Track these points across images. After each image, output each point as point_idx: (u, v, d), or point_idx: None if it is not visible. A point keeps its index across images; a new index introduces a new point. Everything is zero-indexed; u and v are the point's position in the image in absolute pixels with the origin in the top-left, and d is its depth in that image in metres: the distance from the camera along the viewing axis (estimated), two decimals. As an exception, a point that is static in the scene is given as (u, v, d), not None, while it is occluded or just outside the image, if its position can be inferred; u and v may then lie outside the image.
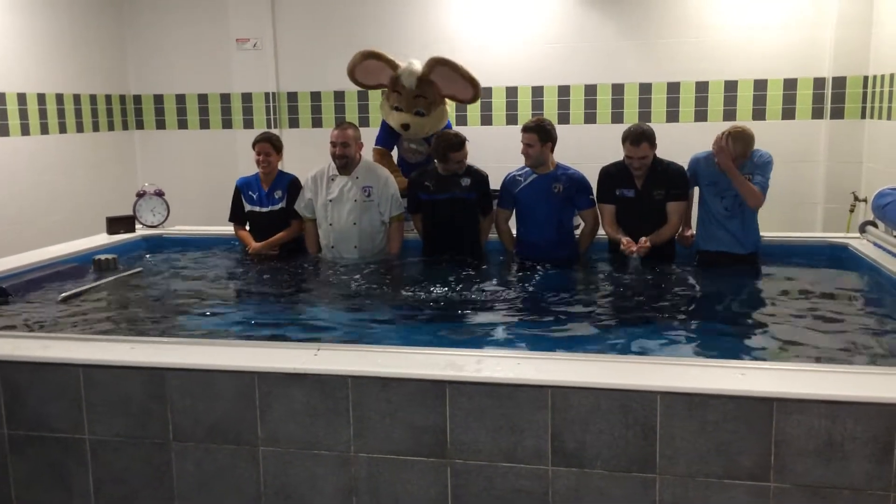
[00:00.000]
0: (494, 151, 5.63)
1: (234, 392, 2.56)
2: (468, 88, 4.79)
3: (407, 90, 4.78)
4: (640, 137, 4.16)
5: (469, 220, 4.56)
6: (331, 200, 4.57)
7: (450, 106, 5.01)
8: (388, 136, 5.05)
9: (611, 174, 4.38)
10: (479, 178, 4.51)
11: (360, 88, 5.05)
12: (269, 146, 4.74)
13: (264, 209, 4.81)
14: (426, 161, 4.95)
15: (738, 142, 4.04)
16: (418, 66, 4.76)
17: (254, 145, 4.77)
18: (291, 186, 4.78)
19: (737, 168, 4.09)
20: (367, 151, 4.87)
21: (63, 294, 3.85)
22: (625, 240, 4.15)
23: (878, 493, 2.19)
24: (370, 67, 4.85)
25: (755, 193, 4.06)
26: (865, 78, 6.05)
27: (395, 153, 5.13)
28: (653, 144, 4.20)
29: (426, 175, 4.56)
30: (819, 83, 6.21)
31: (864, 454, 2.18)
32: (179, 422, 2.61)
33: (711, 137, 4.19)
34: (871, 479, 2.19)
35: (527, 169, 4.45)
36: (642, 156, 4.17)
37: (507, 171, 4.55)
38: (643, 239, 4.12)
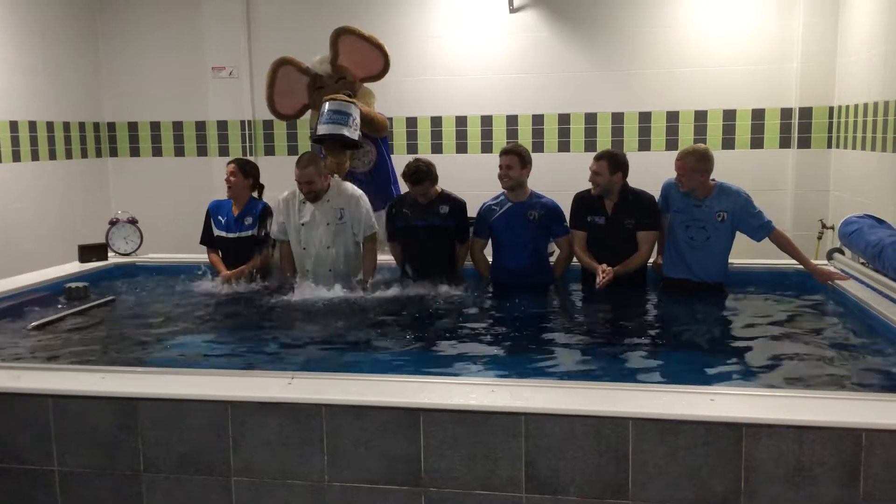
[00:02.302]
0: (470, 179, 5.67)
1: (207, 422, 2.54)
2: (378, 57, 4.84)
3: (327, 79, 4.85)
4: (602, 155, 4.33)
5: (446, 247, 4.58)
6: (303, 224, 4.56)
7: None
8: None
9: (583, 200, 4.44)
10: (457, 206, 4.54)
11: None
12: (235, 167, 4.78)
13: (231, 234, 4.80)
14: (378, 165, 4.98)
15: (690, 156, 4.15)
16: (324, 54, 4.88)
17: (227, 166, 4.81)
18: (263, 214, 4.77)
19: (700, 199, 4.16)
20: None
21: (33, 323, 3.81)
22: (600, 269, 4.17)
23: (846, 517, 2.22)
24: (286, 82, 4.94)
25: (786, 241, 4.21)
26: (831, 108, 6.20)
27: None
28: (615, 168, 4.26)
29: (403, 202, 4.58)
30: (786, 113, 6.35)
31: (832, 478, 2.22)
32: (150, 452, 2.58)
33: (682, 167, 4.26)
34: (839, 503, 2.22)
35: (502, 197, 4.49)
36: (596, 171, 4.29)
37: (482, 199, 4.60)
38: (608, 269, 4.15)
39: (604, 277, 4.10)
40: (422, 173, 4.40)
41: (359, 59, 4.85)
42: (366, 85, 5.04)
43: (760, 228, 4.18)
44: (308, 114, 5.18)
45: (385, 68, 4.91)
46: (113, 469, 2.61)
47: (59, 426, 2.62)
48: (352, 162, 4.98)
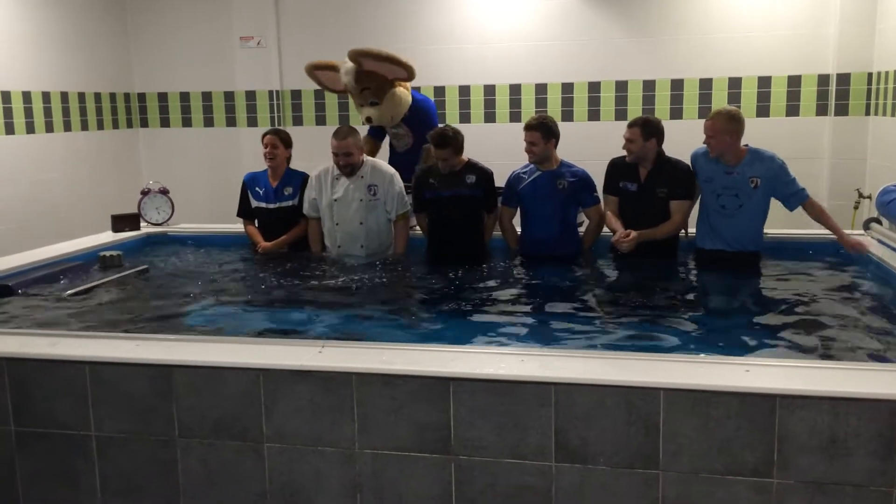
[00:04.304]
0: (498, 149, 5.63)
1: (240, 389, 2.57)
2: (399, 70, 4.85)
3: (353, 88, 4.89)
4: (636, 121, 4.23)
5: (473, 217, 4.55)
6: (336, 200, 4.56)
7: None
8: (377, 128, 5.20)
9: (617, 166, 4.37)
10: (485, 175, 4.50)
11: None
12: (276, 139, 4.76)
13: (272, 205, 4.82)
14: (414, 147, 5.04)
15: (719, 115, 4.05)
16: (349, 63, 4.88)
17: (262, 138, 4.80)
18: (304, 185, 4.77)
19: (731, 165, 4.08)
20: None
21: (69, 291, 3.87)
22: (620, 232, 4.14)
23: (880, 490, 2.20)
24: (326, 77, 5.09)
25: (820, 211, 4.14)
26: (870, 75, 6.04)
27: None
28: (648, 134, 4.17)
29: (431, 172, 4.56)
30: (823, 80, 6.20)
31: (867, 450, 2.19)
32: (185, 418, 2.62)
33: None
34: (874, 476, 2.20)
35: (531, 166, 4.45)
36: (630, 138, 4.19)
37: (510, 169, 4.56)
38: (628, 232, 4.10)
39: (626, 239, 4.06)
40: (447, 138, 4.35)
41: (384, 70, 4.87)
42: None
43: (794, 196, 4.09)
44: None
45: (410, 77, 4.92)
46: (148, 434, 2.66)
47: (96, 392, 2.67)
48: (393, 140, 5.19)
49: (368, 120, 4.95)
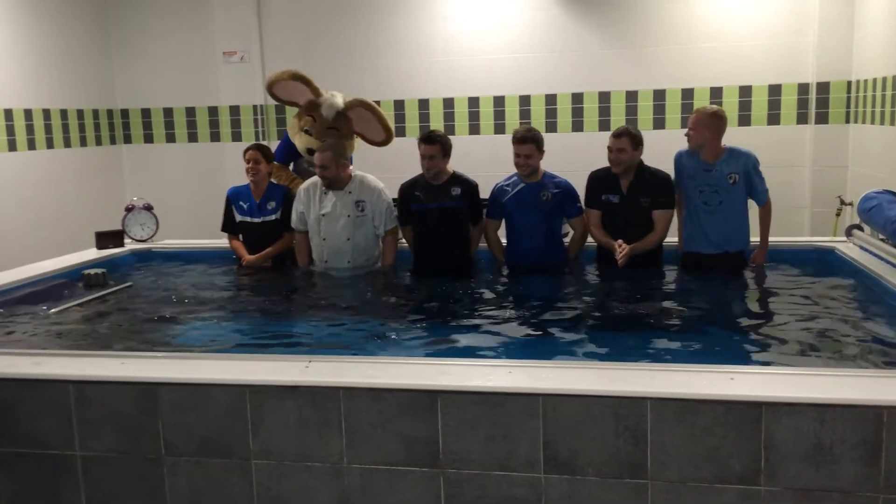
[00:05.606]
0: (483, 160, 5.65)
1: (226, 405, 2.56)
2: (381, 133, 4.86)
3: (323, 119, 4.83)
4: (622, 132, 4.26)
5: (459, 229, 4.55)
6: (324, 215, 4.54)
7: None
8: (286, 155, 5.10)
9: (598, 179, 4.41)
10: (469, 187, 4.51)
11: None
12: (258, 154, 4.75)
13: (256, 220, 4.81)
14: None
15: (703, 110, 4.22)
16: (340, 101, 4.84)
17: (244, 154, 4.79)
18: (287, 198, 4.77)
19: (710, 163, 4.18)
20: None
21: (53, 310, 3.84)
22: (617, 244, 4.16)
23: (867, 496, 2.21)
24: (292, 87, 4.90)
25: (768, 217, 4.28)
26: (849, 83, 6.11)
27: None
28: (635, 144, 4.23)
29: (416, 185, 4.56)
30: (803, 89, 6.27)
31: (853, 457, 2.20)
32: (171, 436, 2.61)
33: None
34: (860, 482, 2.21)
35: (515, 178, 4.46)
36: (619, 148, 4.22)
37: (495, 180, 4.56)
38: (625, 245, 4.13)
39: (622, 253, 4.08)
40: (435, 136, 4.36)
41: (365, 125, 4.86)
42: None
43: (763, 193, 4.26)
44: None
45: (383, 144, 4.93)
46: (135, 453, 2.64)
47: (81, 411, 2.65)
48: (304, 173, 5.08)
49: (309, 152, 4.83)
